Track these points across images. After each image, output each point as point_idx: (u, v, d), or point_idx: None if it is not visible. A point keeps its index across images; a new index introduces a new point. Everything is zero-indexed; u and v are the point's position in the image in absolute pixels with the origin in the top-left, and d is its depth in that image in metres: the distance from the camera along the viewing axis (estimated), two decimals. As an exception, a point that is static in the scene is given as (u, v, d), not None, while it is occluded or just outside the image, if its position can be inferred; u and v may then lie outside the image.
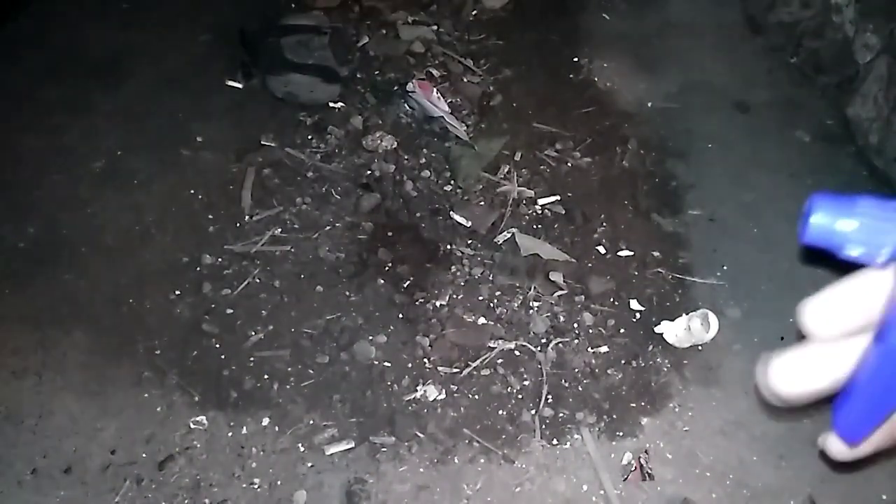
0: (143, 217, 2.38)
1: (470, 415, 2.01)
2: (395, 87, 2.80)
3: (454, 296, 2.25)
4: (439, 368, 2.08)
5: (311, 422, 1.96)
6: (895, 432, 0.39)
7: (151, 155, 2.54)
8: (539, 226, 2.47)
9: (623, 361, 2.15)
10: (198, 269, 2.26)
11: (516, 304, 2.24)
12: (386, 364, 2.09)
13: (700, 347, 2.19)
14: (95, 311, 2.14)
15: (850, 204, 0.36)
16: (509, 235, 2.41)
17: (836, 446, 0.40)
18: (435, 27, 3.12)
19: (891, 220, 0.36)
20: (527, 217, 2.49)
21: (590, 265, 2.37)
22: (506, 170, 2.61)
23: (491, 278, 2.30)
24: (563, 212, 2.51)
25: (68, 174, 2.47)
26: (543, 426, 1.99)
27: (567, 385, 2.09)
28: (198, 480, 1.85)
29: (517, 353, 2.14)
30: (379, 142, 2.63)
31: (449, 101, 2.79)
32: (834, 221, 0.37)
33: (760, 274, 2.39)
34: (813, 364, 0.38)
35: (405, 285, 2.27)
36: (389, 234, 2.40)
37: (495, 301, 2.25)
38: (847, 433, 0.40)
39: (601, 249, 2.42)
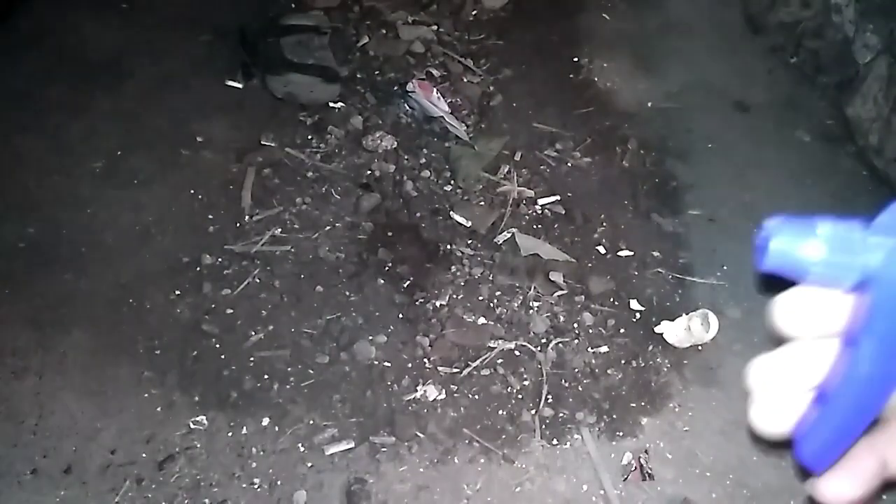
0: (143, 217, 2.37)
1: (470, 415, 2.01)
2: (395, 87, 2.80)
3: (454, 296, 2.25)
4: (439, 368, 2.08)
5: (311, 422, 1.96)
6: (882, 463, 0.36)
7: (151, 155, 2.54)
8: (539, 226, 2.47)
9: (623, 361, 2.15)
10: (198, 269, 2.25)
11: (516, 304, 2.24)
12: (386, 364, 2.09)
13: (700, 347, 2.19)
14: (95, 311, 2.14)
15: (810, 227, 0.33)
16: (509, 235, 2.40)
17: (830, 489, 0.36)
18: (435, 27, 3.12)
19: (854, 242, 0.33)
20: (527, 217, 2.49)
21: (590, 265, 2.37)
22: (506, 170, 2.60)
23: (491, 278, 2.30)
24: (563, 212, 2.51)
25: (68, 174, 2.47)
26: (543, 426, 1.99)
27: (567, 385, 2.09)
28: (198, 480, 1.85)
29: (517, 353, 2.14)
30: (379, 142, 2.63)
31: (449, 101, 2.79)
32: (796, 247, 0.34)
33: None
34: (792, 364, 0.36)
35: (405, 285, 2.27)
36: (389, 234, 2.40)
37: (495, 301, 2.25)
38: (812, 460, 0.36)
39: (601, 249, 2.42)
